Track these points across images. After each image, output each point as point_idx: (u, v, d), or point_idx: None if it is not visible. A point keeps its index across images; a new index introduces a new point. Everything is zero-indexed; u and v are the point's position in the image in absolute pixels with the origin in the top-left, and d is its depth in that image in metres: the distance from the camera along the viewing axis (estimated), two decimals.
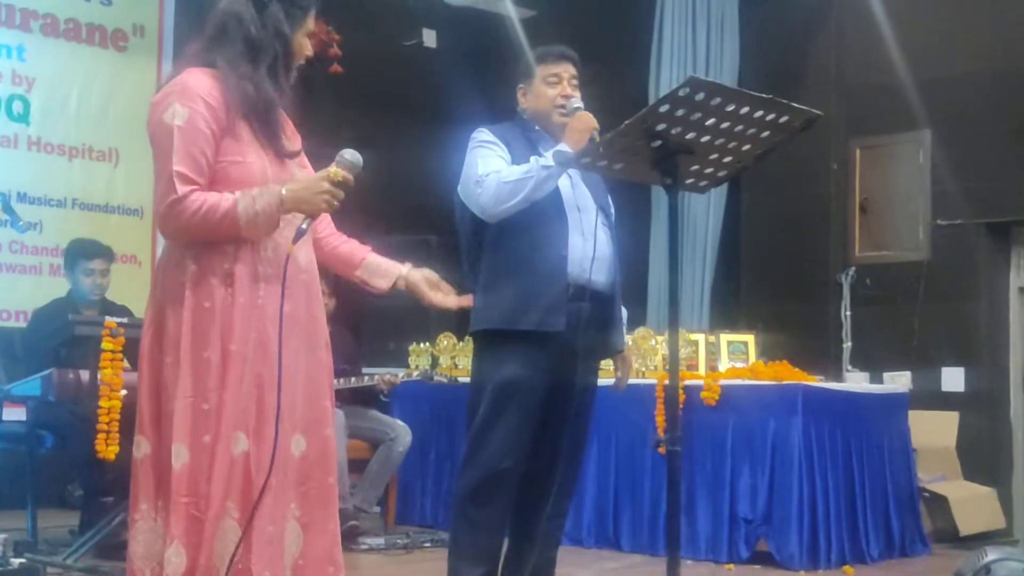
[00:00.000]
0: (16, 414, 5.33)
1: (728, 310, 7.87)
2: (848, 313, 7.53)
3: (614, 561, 5.59)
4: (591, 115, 3.43)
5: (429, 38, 9.26)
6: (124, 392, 4.49)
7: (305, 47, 2.83)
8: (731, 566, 5.39)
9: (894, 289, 7.40)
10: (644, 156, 2.59)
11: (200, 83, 2.69)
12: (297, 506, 2.71)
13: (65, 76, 7.26)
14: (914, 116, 7.17)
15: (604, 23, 7.90)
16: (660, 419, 5.45)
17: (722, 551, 5.49)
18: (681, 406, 2.92)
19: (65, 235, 6.43)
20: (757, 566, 5.36)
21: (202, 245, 2.68)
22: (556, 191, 3.46)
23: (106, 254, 5.73)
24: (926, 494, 6.37)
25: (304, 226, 2.65)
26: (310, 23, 2.83)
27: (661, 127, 2.50)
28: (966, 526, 6.38)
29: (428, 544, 5.79)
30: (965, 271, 7.24)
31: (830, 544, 5.45)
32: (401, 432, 6.26)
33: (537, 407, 3.51)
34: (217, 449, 2.59)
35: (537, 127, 3.68)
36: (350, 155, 2.68)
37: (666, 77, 7.49)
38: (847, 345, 7.48)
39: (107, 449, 4.52)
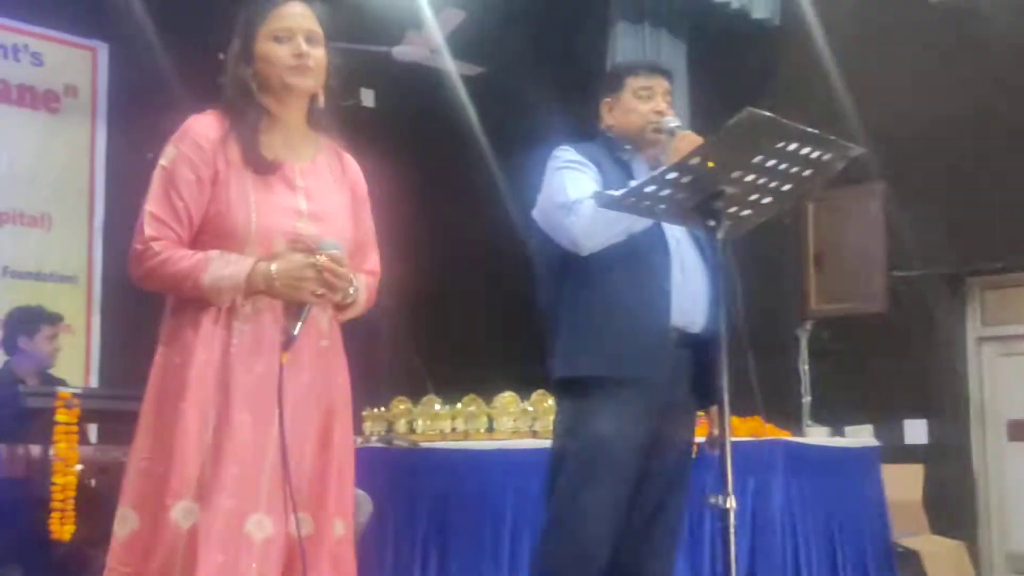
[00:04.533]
0: None
1: None
2: (806, 367, 7.48)
3: None
4: (696, 135, 3.03)
5: (367, 98, 9.12)
6: (80, 467, 4.21)
7: (270, 54, 2.55)
8: None
9: (852, 342, 7.37)
10: (687, 196, 2.43)
11: (198, 124, 2.55)
12: None
13: None
14: (867, 168, 7.16)
15: (552, 82, 7.81)
16: None
17: None
18: None
19: None
20: None
21: (176, 298, 2.52)
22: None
23: (61, 320, 5.62)
24: (899, 549, 6.27)
25: (295, 332, 2.43)
26: (273, 23, 2.57)
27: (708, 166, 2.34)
28: None
29: None
30: (922, 322, 7.23)
31: None
32: (361, 501, 5.95)
33: (633, 468, 3.10)
34: (160, 517, 2.36)
35: (628, 146, 3.31)
36: (330, 244, 2.48)
37: None
38: (807, 399, 7.41)
39: (62, 529, 4.22)
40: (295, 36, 2.56)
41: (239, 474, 2.39)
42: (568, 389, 3.18)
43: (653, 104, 3.27)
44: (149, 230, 2.46)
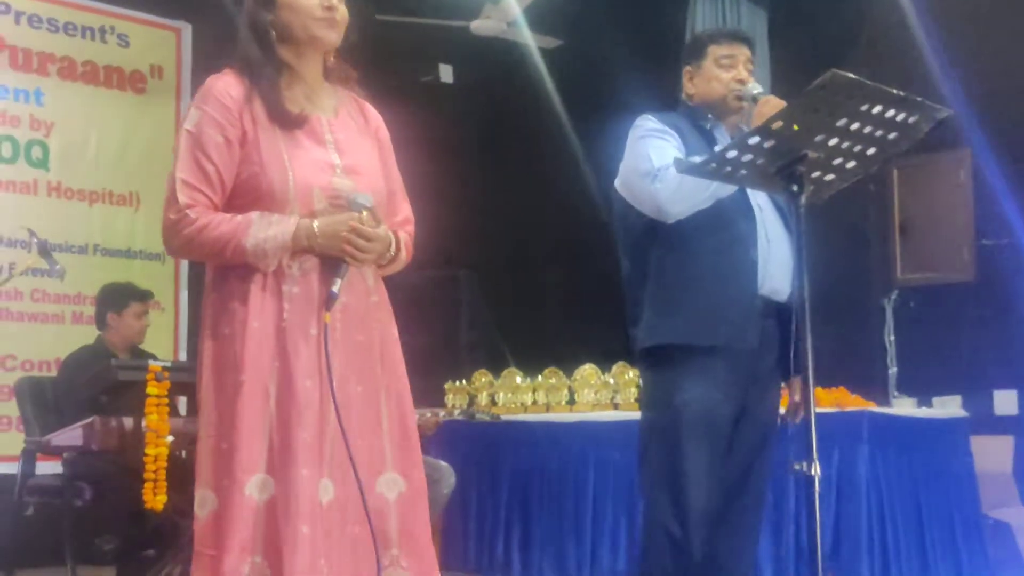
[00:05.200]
0: (52, 467, 5.13)
1: None
2: (892, 338, 7.34)
3: None
4: (779, 100, 3.02)
5: (446, 73, 9.14)
6: (171, 439, 4.29)
7: (298, 2, 2.48)
8: None
9: (939, 311, 7.21)
10: (769, 161, 2.41)
11: (219, 83, 2.49)
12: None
13: (83, 120, 7.12)
14: (953, 134, 7.01)
15: (632, 53, 7.75)
16: None
17: None
18: None
19: (86, 282, 6.26)
20: None
21: (218, 267, 2.47)
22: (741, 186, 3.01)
23: (152, 297, 5.72)
24: (989, 521, 6.16)
25: (336, 288, 2.40)
26: None
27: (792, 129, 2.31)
28: None
29: None
30: (1011, 291, 7.05)
31: None
32: (445, 473, 6.02)
33: (723, 438, 3.09)
34: (234, 494, 2.32)
35: (710, 115, 3.30)
36: (363, 199, 2.45)
37: None
38: (893, 370, 7.28)
39: (155, 499, 4.28)
40: None
41: (309, 440, 2.34)
42: (655, 359, 3.17)
43: (735, 72, 3.26)
44: (183, 198, 2.39)
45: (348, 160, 2.53)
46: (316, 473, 2.34)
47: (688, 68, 3.36)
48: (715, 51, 3.30)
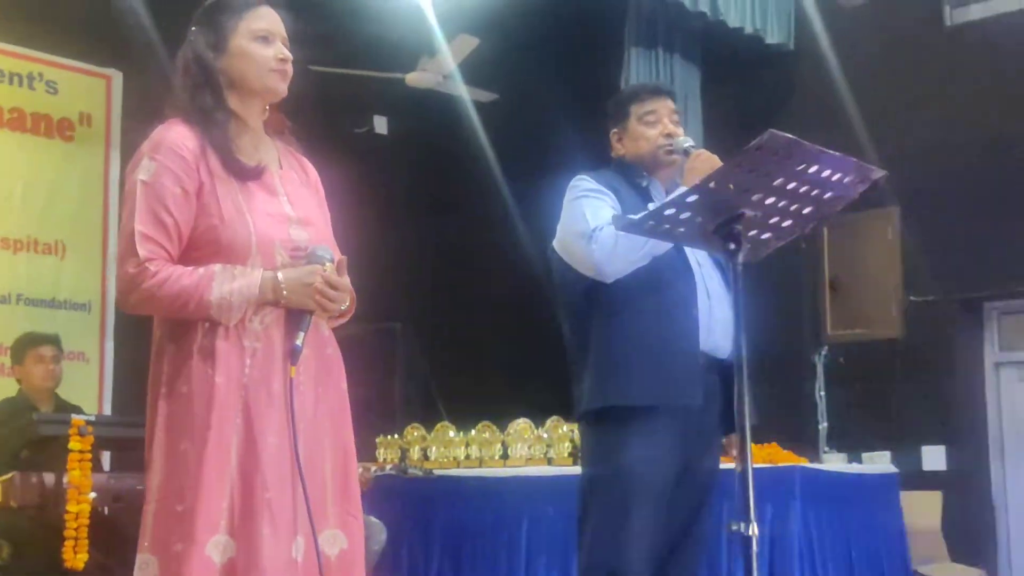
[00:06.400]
0: None
1: None
2: (823, 393, 7.42)
3: None
4: (711, 153, 3.07)
5: (380, 125, 9.15)
6: (94, 495, 4.18)
7: (253, 53, 2.49)
8: None
9: (869, 367, 7.30)
10: (707, 219, 2.41)
11: (171, 133, 2.44)
12: None
13: (9, 167, 6.97)
14: (881, 192, 7.12)
15: (567, 109, 7.80)
16: None
17: None
18: None
19: (8, 333, 6.10)
20: None
21: (175, 322, 2.40)
22: (678, 244, 3.00)
23: (55, 341, 5.49)
24: None
25: (299, 342, 2.37)
26: (253, 22, 2.51)
27: (729, 188, 2.32)
28: None
29: None
30: (940, 347, 7.17)
31: None
32: (375, 529, 5.92)
33: (666, 497, 3.07)
34: (192, 556, 2.24)
35: (644, 172, 3.30)
36: (323, 251, 2.43)
37: None
38: (823, 426, 7.34)
39: (76, 558, 4.17)
40: (276, 40, 2.53)
41: (271, 499, 2.30)
42: (599, 419, 3.14)
43: (661, 127, 3.28)
44: (142, 251, 2.33)
45: (300, 212, 2.51)
46: (287, 532, 2.31)
47: (615, 131, 3.38)
48: (637, 109, 3.31)
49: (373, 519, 6.03)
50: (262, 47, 2.50)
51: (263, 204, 2.45)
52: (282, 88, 2.52)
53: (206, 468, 2.28)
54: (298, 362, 2.38)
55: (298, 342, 2.37)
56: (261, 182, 2.48)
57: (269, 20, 2.54)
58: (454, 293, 8.49)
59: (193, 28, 2.54)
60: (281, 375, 2.37)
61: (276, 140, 2.63)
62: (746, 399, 2.46)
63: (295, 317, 2.40)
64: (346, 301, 2.48)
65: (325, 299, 2.38)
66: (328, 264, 2.41)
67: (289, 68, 2.52)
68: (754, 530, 2.41)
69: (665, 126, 3.27)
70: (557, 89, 8.09)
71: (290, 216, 2.48)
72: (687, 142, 3.23)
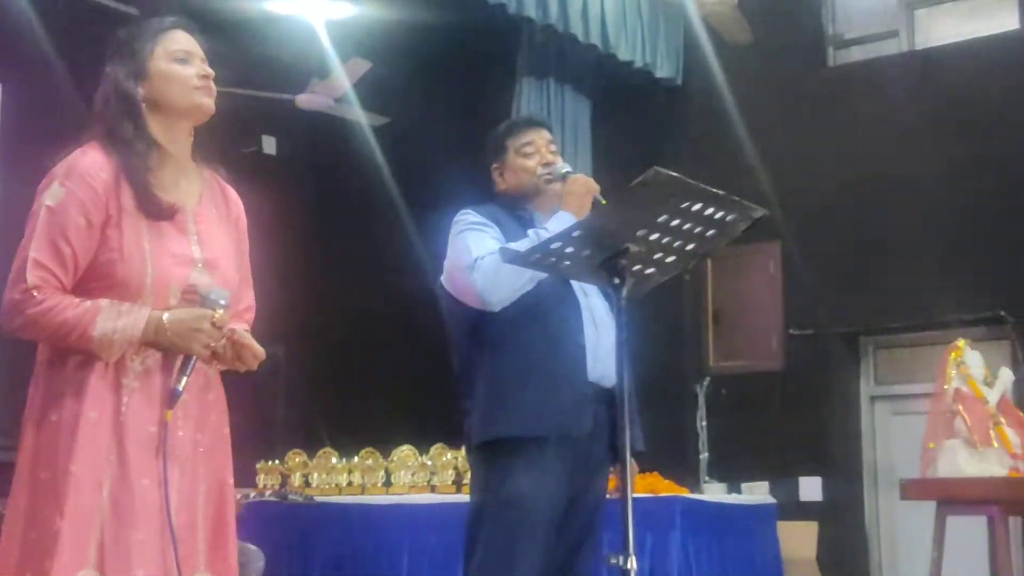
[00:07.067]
0: None
1: None
2: (704, 423, 7.51)
3: None
4: (587, 176, 3.11)
5: (269, 145, 9.04)
6: None
7: (174, 73, 2.47)
8: None
9: (750, 399, 7.43)
10: (593, 253, 2.42)
11: (86, 159, 2.39)
12: None
13: None
14: (764, 227, 7.24)
15: (459, 135, 7.81)
16: None
17: None
18: None
19: None
20: None
21: (56, 349, 2.36)
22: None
23: None
24: None
25: (180, 387, 2.35)
26: (168, 45, 2.50)
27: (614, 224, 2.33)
28: None
29: None
30: (818, 380, 7.33)
31: None
32: (253, 556, 5.81)
33: (555, 527, 3.07)
34: None
35: (528, 205, 3.31)
36: (217, 295, 2.40)
37: None
38: (704, 456, 7.43)
39: None
40: (195, 59, 2.52)
41: (144, 540, 2.27)
42: (488, 449, 3.14)
43: (539, 157, 3.31)
44: (32, 278, 2.29)
45: (208, 253, 2.48)
46: (156, 573, 2.27)
47: (495, 166, 3.39)
48: (514, 143, 3.35)
49: (251, 546, 5.92)
50: (182, 67, 2.49)
51: (170, 243, 2.42)
52: (208, 104, 2.50)
53: (72, 501, 2.23)
54: (176, 405, 2.35)
55: (179, 386, 2.35)
56: (173, 221, 2.45)
57: (184, 41, 2.53)
58: (339, 317, 8.40)
59: (107, 67, 2.51)
60: (160, 418, 2.34)
61: (204, 170, 2.60)
62: (627, 431, 2.48)
63: (176, 360, 2.38)
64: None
65: (212, 345, 2.36)
66: (219, 311, 2.38)
67: (212, 85, 2.50)
68: (632, 564, 2.40)
69: (543, 156, 3.30)
70: (449, 115, 8.11)
71: (195, 258, 2.45)
72: (565, 168, 3.27)
